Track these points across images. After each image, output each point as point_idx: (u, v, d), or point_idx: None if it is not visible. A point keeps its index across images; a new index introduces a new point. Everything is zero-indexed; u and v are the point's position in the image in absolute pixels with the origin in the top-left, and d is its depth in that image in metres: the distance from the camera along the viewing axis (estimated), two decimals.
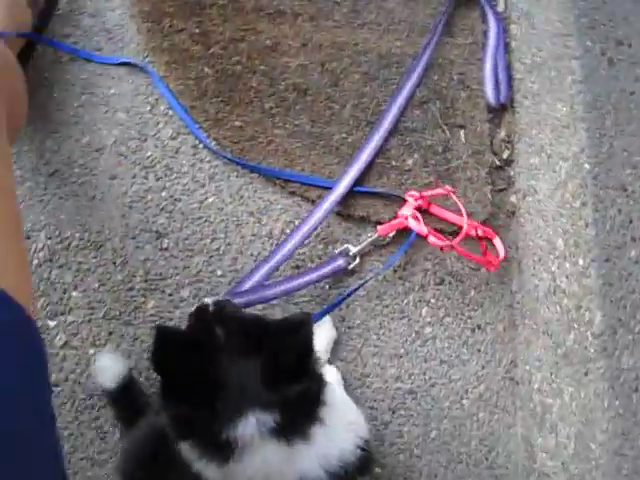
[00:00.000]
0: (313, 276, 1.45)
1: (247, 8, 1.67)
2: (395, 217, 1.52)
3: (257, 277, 1.43)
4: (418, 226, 1.47)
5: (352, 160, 1.55)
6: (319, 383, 1.00)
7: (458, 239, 1.46)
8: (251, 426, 0.90)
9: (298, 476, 0.95)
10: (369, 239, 1.51)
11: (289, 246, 1.46)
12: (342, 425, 1.05)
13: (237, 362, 0.94)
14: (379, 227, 1.51)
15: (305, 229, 1.46)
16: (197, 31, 1.64)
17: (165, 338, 0.95)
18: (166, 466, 1.06)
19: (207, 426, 0.91)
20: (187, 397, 0.92)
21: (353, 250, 1.50)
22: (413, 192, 1.53)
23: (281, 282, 1.45)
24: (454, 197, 1.51)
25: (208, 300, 1.10)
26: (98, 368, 1.36)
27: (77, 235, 1.49)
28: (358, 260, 1.51)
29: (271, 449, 0.91)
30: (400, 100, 1.60)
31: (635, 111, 1.48)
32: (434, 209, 1.54)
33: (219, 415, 0.90)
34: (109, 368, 1.35)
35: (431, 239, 1.46)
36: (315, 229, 1.48)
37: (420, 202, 1.51)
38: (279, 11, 1.68)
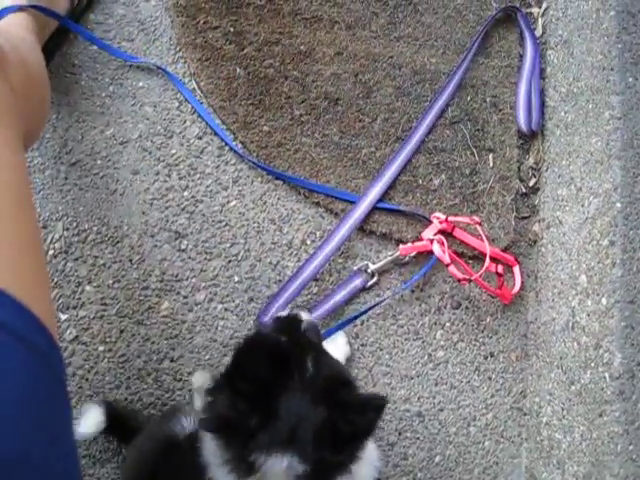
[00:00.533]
0: (337, 298, 1.44)
1: (284, 11, 1.64)
2: (418, 238, 1.51)
3: (283, 299, 1.42)
4: (441, 253, 1.44)
5: (377, 176, 1.53)
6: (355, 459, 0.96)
7: (477, 274, 1.44)
8: (280, 465, 0.88)
9: None
10: (389, 257, 1.49)
11: (313, 266, 1.45)
12: (364, 466, 1.03)
13: (305, 402, 0.91)
14: (401, 246, 1.49)
15: (328, 249, 1.45)
16: (232, 30, 1.61)
17: (261, 344, 0.97)
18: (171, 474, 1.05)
19: (245, 438, 0.89)
20: (246, 399, 0.90)
21: (372, 267, 1.48)
22: (439, 214, 1.50)
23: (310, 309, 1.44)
24: (480, 229, 1.49)
25: (303, 315, 1.07)
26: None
27: (95, 228, 1.47)
28: (376, 278, 1.49)
29: None
30: (430, 118, 1.58)
31: None
32: (457, 233, 1.53)
33: (260, 437, 0.89)
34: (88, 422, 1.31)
35: (451, 269, 1.44)
36: (338, 249, 1.46)
37: (444, 225, 1.49)
38: (316, 17, 1.65)
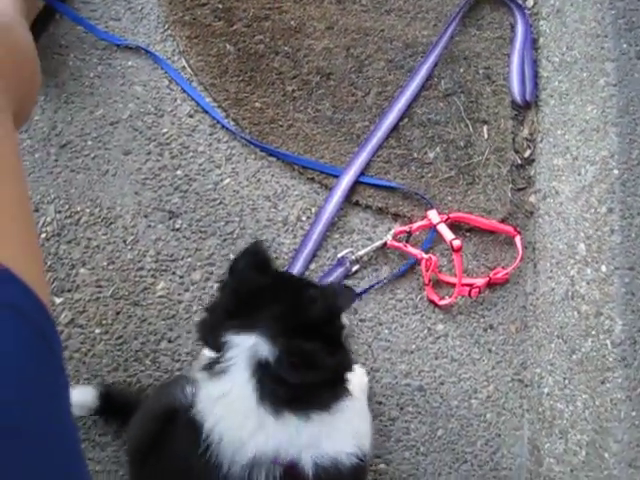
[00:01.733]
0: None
1: None
2: (412, 218, 1.49)
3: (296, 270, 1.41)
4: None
5: (360, 147, 1.52)
6: (342, 360, 1.01)
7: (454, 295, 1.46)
8: (246, 344, 0.93)
9: (267, 451, 0.91)
10: (374, 245, 1.48)
11: (309, 246, 1.43)
12: (350, 429, 1.02)
13: (275, 298, 0.99)
14: (389, 236, 1.48)
15: (321, 226, 1.44)
16: (220, 6, 1.59)
17: (257, 254, 1.06)
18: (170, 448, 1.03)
19: (217, 323, 0.98)
20: (232, 294, 1.01)
21: (355, 255, 1.47)
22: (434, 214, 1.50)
23: None
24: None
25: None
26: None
27: (87, 210, 1.44)
28: (358, 266, 1.47)
29: (248, 391, 0.92)
30: (413, 87, 1.57)
31: None
32: (455, 216, 1.51)
33: (232, 321, 0.96)
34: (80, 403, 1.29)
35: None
36: (331, 224, 1.46)
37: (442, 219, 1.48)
38: None
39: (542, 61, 1.67)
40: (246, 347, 0.92)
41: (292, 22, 1.59)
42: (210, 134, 1.51)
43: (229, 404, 0.92)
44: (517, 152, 1.61)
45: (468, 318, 1.52)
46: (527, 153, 1.61)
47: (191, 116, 1.52)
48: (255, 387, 0.91)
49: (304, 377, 0.93)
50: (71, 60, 1.53)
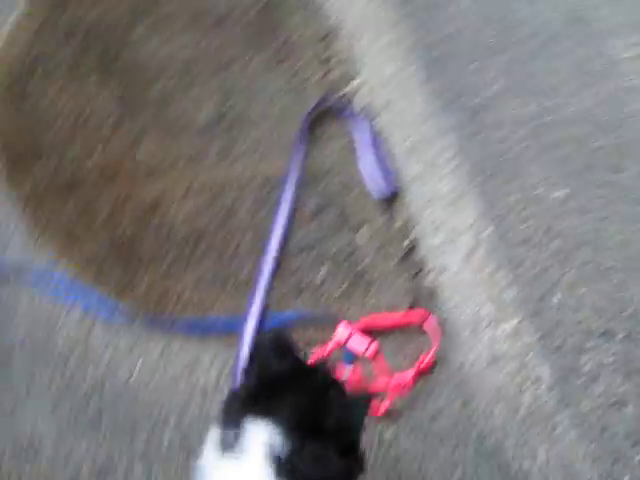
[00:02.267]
0: None
1: (122, 171, 1.69)
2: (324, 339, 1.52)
3: None
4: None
5: (251, 291, 1.55)
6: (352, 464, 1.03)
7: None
8: (261, 434, 0.96)
9: None
10: None
11: None
12: None
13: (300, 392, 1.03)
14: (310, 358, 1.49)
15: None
16: (80, 206, 1.64)
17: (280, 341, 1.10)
18: None
19: (238, 407, 1.01)
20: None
21: None
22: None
23: None
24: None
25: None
26: None
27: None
28: None
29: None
30: (282, 217, 1.62)
31: (514, 168, 1.55)
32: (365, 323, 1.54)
33: (252, 406, 0.99)
34: None
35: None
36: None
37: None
38: (154, 166, 1.70)
39: (391, 152, 1.76)
40: (262, 436, 0.96)
41: (151, 198, 1.64)
42: (107, 330, 1.51)
43: None
44: (398, 243, 1.67)
45: (412, 414, 1.53)
46: (406, 241, 1.68)
47: (82, 320, 1.53)
48: (270, 474, 0.95)
49: (314, 472, 0.96)
50: None
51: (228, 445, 0.99)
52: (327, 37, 2.00)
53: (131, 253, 1.59)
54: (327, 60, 1.95)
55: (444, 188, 1.58)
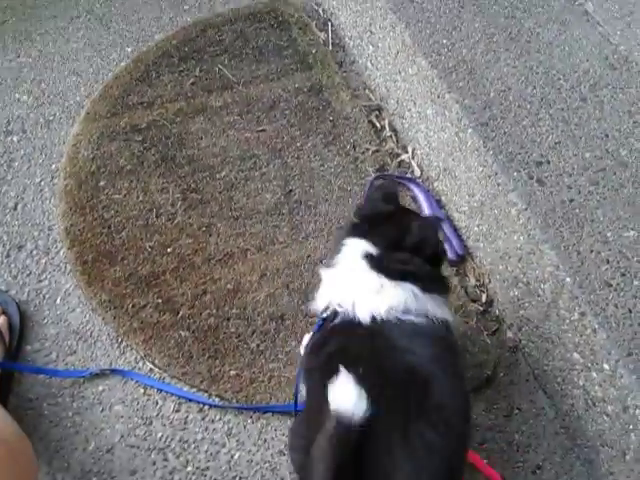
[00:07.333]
0: None
1: (197, 262, 1.78)
2: None
3: None
4: None
5: None
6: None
7: None
8: (357, 243, 1.32)
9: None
10: None
11: None
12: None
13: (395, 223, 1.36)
14: None
15: None
16: (160, 301, 1.73)
17: (387, 189, 1.46)
18: None
19: (344, 233, 1.40)
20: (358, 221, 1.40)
21: None
22: None
23: None
24: None
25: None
26: None
27: None
28: None
29: (361, 265, 1.29)
30: None
31: (582, 214, 1.60)
32: None
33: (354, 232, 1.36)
34: None
35: None
36: None
37: None
38: (227, 254, 1.79)
39: (454, 215, 1.84)
40: (358, 247, 1.31)
41: (229, 285, 1.73)
42: (202, 419, 1.58)
43: (346, 277, 1.31)
44: (474, 301, 1.73)
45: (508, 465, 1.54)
46: (484, 298, 1.73)
47: (177, 410, 1.60)
48: (367, 263, 1.29)
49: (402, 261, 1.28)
50: (45, 409, 1.61)
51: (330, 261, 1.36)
52: (375, 111, 2.11)
53: (216, 341, 1.66)
54: (379, 133, 2.05)
55: (516, 242, 1.63)
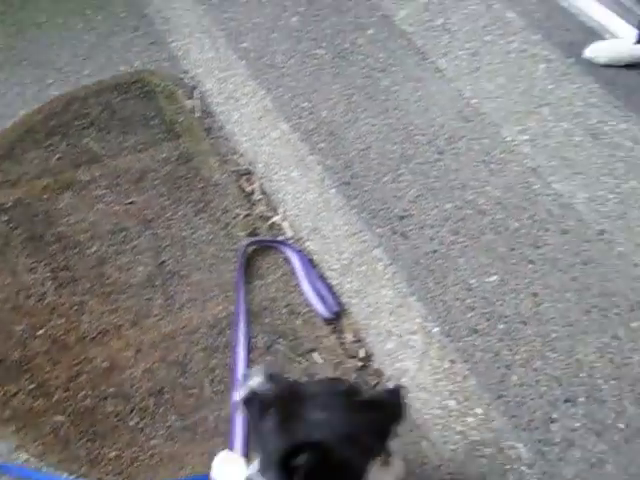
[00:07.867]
0: None
1: (70, 343, 1.75)
2: None
3: None
4: None
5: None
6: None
7: None
8: None
9: None
10: None
11: None
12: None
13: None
14: None
15: None
16: (33, 386, 1.68)
17: None
18: None
19: None
20: None
21: None
22: None
23: None
24: None
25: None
26: None
27: None
28: None
29: None
30: (241, 357, 1.70)
31: (445, 264, 1.68)
32: None
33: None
34: None
35: None
36: None
37: None
38: (101, 331, 1.76)
39: (327, 273, 1.87)
40: None
41: (104, 364, 1.71)
42: None
43: None
44: (353, 357, 1.76)
45: None
46: (362, 353, 1.76)
47: None
48: None
49: None
50: None
51: None
52: (245, 175, 2.14)
53: (94, 422, 1.62)
54: (249, 197, 2.08)
55: (386, 297, 1.68)
